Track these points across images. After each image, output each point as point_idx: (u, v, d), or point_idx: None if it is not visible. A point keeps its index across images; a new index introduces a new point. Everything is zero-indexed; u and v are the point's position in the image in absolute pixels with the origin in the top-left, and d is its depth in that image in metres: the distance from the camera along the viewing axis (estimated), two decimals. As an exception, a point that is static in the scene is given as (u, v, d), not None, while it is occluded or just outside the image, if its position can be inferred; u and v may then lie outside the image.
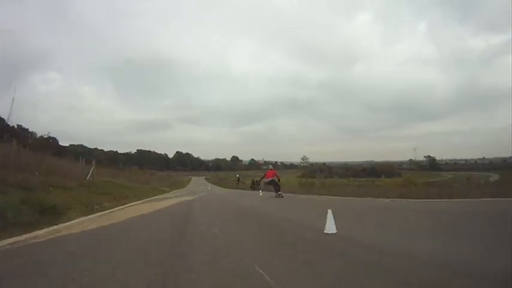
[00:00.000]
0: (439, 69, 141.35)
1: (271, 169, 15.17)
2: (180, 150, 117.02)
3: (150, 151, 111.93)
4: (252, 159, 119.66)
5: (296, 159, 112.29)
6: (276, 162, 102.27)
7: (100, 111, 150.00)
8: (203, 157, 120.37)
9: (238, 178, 36.52)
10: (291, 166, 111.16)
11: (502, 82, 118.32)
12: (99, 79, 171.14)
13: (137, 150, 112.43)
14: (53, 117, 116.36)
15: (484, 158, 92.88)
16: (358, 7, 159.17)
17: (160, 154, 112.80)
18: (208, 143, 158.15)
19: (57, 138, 44.82)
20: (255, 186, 24.16)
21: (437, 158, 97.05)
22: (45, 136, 34.72)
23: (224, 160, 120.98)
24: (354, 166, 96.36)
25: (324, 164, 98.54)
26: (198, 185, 43.79)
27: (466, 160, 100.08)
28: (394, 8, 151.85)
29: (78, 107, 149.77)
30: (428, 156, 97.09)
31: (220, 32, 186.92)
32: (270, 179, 13.87)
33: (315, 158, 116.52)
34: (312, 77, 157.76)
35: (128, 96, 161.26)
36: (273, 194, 13.28)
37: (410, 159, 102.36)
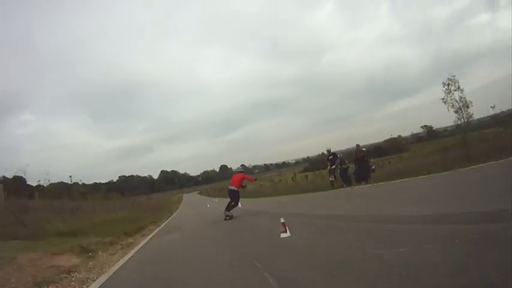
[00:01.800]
0: (407, 45, 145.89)
1: (239, 172, 10.69)
2: (165, 169, 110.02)
3: (133, 176, 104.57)
4: (243, 165, 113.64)
5: (286, 158, 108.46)
6: (264, 164, 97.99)
7: (78, 144, 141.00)
8: (191, 173, 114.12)
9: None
10: (284, 165, 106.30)
11: (469, 45, 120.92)
12: (71, 113, 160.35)
13: (119, 177, 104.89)
14: (30, 159, 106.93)
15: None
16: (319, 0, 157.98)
17: (145, 177, 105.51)
18: (193, 158, 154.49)
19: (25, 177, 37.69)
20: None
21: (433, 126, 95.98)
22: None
23: (213, 171, 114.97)
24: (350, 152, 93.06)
25: (323, 153, 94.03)
26: (194, 205, 28.32)
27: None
28: None
29: (55, 144, 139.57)
30: (425, 125, 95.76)
31: (187, 46, 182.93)
32: (232, 187, 9.88)
33: (302, 153, 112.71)
34: (285, 75, 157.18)
35: (104, 125, 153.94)
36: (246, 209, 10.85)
37: (412, 133, 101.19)
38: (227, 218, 9.33)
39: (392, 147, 76.57)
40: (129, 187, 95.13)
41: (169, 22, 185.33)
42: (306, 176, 27.60)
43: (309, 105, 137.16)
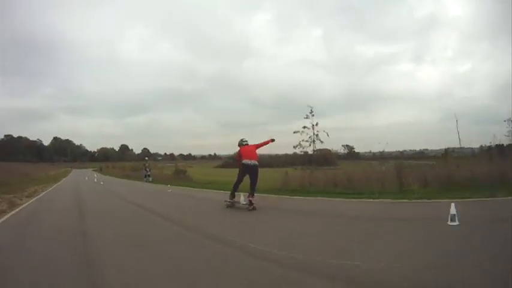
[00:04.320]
0: (327, 72, 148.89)
1: (245, 144, 7.79)
2: (58, 136, 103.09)
3: (21, 137, 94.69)
4: (145, 148, 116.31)
5: (191, 152, 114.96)
6: (171, 153, 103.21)
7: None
8: (88, 147, 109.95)
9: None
10: (190, 157, 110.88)
11: (384, 87, 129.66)
12: None
13: (5, 136, 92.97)
14: None
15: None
16: (258, 7, 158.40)
17: (34, 141, 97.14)
18: (93, 135, 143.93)
19: None
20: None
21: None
22: None
23: (112, 149, 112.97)
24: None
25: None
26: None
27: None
28: (293, 13, 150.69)
29: None
30: (347, 145, 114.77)
31: (112, 18, 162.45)
32: (253, 161, 7.25)
33: (207, 151, 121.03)
34: (203, 71, 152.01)
35: (6, 81, 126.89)
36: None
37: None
38: (250, 207, 6.75)
39: (323, 159, 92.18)
40: (12, 150, 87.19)
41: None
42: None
43: (219, 105, 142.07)
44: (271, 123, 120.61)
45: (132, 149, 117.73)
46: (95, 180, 25.06)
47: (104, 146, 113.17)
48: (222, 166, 47.64)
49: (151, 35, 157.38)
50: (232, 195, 7.33)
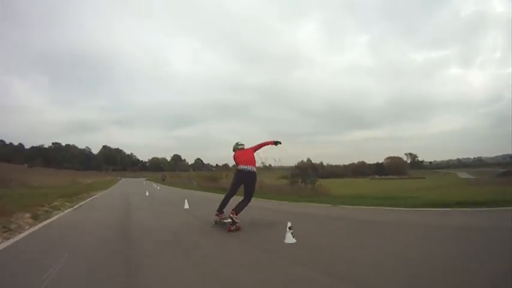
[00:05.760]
0: (376, 80, 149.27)
1: (241, 148, 6.03)
2: (108, 145, 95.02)
3: (69, 145, 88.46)
4: (199, 159, 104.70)
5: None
6: (217, 164, 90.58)
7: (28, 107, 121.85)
8: (139, 157, 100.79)
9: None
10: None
11: (436, 93, 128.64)
12: (29, 74, 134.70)
13: (53, 143, 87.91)
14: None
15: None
16: (306, 15, 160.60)
17: (83, 149, 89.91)
18: (143, 146, 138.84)
19: None
20: None
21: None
22: None
23: (164, 159, 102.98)
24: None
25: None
26: None
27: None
28: (340, 20, 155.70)
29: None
30: (410, 153, 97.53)
31: (159, 32, 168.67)
32: (250, 167, 5.55)
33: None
34: (250, 81, 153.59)
35: (59, 94, 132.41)
36: None
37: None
38: (232, 227, 4.99)
39: (394, 168, 78.54)
40: (60, 158, 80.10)
41: (144, 4, 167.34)
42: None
43: (268, 115, 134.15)
44: (321, 133, 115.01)
45: (184, 159, 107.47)
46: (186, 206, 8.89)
47: (155, 156, 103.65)
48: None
49: (199, 47, 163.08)
50: (220, 210, 5.54)
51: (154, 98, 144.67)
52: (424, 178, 52.18)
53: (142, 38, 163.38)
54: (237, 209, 5.12)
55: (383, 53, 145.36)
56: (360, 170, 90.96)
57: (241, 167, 5.45)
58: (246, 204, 5.29)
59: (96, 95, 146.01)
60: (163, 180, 36.01)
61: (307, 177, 16.61)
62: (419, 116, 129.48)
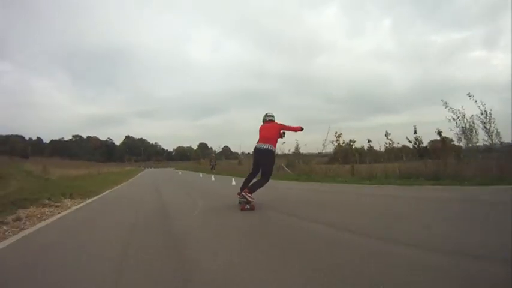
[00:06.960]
0: (398, 64, 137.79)
1: (271, 120, 5.66)
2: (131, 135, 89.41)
3: (90, 137, 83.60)
4: (226, 146, 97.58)
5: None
6: (243, 152, 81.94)
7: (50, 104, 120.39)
8: (163, 146, 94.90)
9: None
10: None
11: (458, 77, 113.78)
12: (50, 70, 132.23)
13: (73, 136, 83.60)
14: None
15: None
16: (327, 1, 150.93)
17: (104, 141, 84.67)
18: (168, 136, 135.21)
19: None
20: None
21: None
22: None
23: (190, 148, 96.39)
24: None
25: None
26: None
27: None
28: (361, 3, 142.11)
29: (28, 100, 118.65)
30: (440, 132, 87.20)
31: (178, 22, 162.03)
32: (265, 145, 5.18)
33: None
34: (272, 69, 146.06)
35: (80, 89, 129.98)
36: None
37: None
38: (246, 205, 4.71)
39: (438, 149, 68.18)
40: (81, 150, 75.05)
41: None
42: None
43: (291, 102, 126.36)
44: (345, 119, 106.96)
45: (211, 147, 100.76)
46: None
47: (181, 145, 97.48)
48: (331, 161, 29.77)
49: (220, 36, 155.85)
50: (242, 190, 5.09)
51: (177, 88, 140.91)
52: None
53: (163, 29, 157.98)
54: (252, 188, 4.90)
55: (406, 36, 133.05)
56: (394, 154, 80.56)
57: (257, 145, 5.16)
58: (263, 184, 4.99)
59: (118, 88, 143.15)
60: (213, 168, 22.80)
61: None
62: (445, 100, 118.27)
